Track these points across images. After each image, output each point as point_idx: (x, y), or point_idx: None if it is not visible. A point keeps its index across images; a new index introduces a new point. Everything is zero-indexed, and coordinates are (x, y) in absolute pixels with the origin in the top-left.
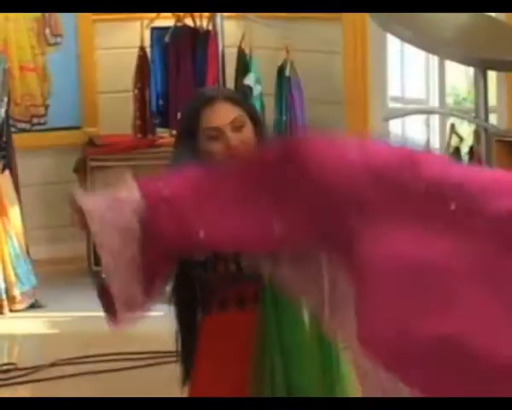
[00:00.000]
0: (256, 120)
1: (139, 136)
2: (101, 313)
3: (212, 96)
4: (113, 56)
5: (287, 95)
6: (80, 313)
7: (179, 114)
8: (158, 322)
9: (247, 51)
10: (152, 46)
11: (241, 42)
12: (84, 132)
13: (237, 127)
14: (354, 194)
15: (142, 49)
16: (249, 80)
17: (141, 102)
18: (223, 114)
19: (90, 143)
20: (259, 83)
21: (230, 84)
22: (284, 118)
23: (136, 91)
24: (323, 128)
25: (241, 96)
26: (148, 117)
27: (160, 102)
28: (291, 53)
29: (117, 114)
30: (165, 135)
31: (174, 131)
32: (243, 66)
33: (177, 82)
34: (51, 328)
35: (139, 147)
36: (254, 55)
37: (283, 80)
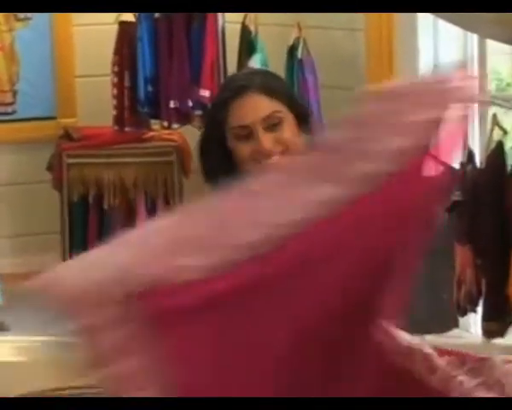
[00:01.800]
0: (301, 116)
1: (115, 128)
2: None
3: (241, 86)
4: (93, 33)
5: (299, 80)
6: (51, 338)
7: (172, 103)
8: None
9: (251, 28)
10: (139, 21)
11: (244, 17)
12: (60, 124)
13: (272, 125)
14: None
15: (122, 24)
16: (254, 63)
17: (119, 87)
18: (253, 109)
19: (67, 136)
20: (266, 66)
21: (232, 66)
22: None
23: (113, 76)
24: (343, 119)
25: (283, 85)
26: (127, 106)
27: (149, 88)
28: (303, 30)
29: (98, 102)
30: (155, 127)
31: (166, 123)
32: (247, 46)
33: (170, 64)
34: (18, 355)
35: (124, 141)
36: (260, 32)
37: (295, 63)
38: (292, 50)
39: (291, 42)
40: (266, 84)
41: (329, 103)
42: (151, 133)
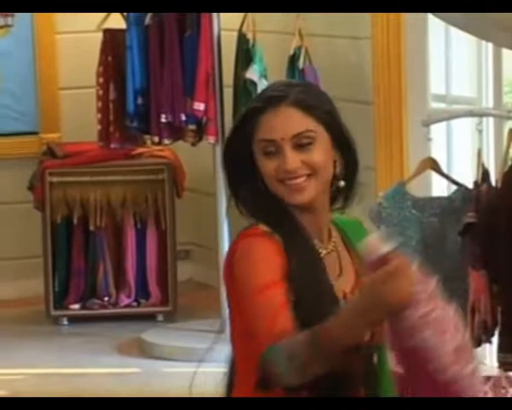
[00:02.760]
0: (340, 139)
1: (101, 144)
2: (63, 370)
3: (275, 97)
4: (78, 42)
5: None
6: (35, 370)
7: (163, 116)
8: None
9: (249, 36)
10: (128, 29)
11: (242, 24)
12: (42, 140)
13: (302, 145)
14: None
15: (107, 32)
16: (252, 73)
17: (104, 100)
18: (284, 124)
19: (49, 153)
20: (265, 77)
21: (228, 77)
22: None
23: (98, 88)
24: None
25: (323, 101)
26: (112, 120)
27: (139, 100)
28: (305, 38)
29: (84, 116)
30: (145, 143)
31: (156, 138)
32: (245, 55)
33: (161, 75)
34: None
35: (111, 158)
36: (259, 40)
37: (296, 73)
38: (293, 60)
39: (292, 51)
40: (303, 98)
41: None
42: (140, 149)
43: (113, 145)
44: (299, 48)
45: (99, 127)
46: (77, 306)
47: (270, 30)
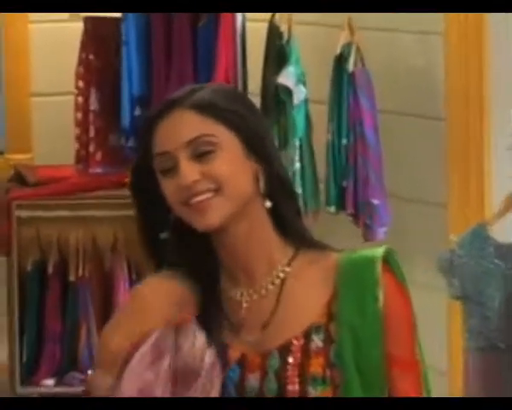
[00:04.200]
0: (255, 146)
1: (80, 168)
2: None
3: (170, 102)
4: (56, 31)
5: (349, 101)
6: None
7: None
8: None
9: (283, 29)
10: (124, 18)
11: (273, 14)
12: (8, 161)
13: (201, 154)
14: None
15: (88, 22)
16: (287, 78)
17: (84, 110)
18: (176, 131)
19: (18, 179)
20: (303, 83)
21: (255, 83)
22: (344, 141)
23: (76, 94)
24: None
25: (231, 102)
26: (93, 137)
27: (137, 111)
28: (357, 33)
29: (63, 130)
30: None
31: None
32: (277, 53)
33: (167, 78)
34: None
35: (99, 187)
36: (296, 35)
37: (344, 78)
38: (340, 61)
39: (339, 49)
40: (202, 98)
41: (392, 134)
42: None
43: (91, 170)
44: (348, 45)
45: (76, 146)
46: (51, 381)
47: (311, 21)
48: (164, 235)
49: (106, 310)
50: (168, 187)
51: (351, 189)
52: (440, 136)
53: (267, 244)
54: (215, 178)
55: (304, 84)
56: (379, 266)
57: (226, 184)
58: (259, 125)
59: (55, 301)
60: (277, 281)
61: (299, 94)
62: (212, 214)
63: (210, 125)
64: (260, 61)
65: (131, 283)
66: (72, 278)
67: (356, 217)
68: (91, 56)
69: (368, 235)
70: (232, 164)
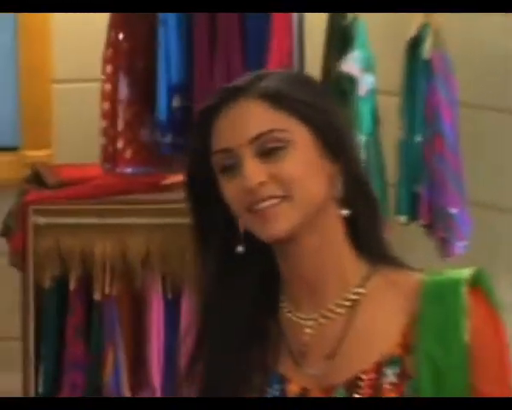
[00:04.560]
0: (334, 145)
1: (107, 167)
2: None
3: (233, 89)
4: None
5: (423, 91)
6: None
7: None
8: None
9: None
10: None
11: None
12: (25, 159)
13: (269, 151)
14: None
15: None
16: (352, 64)
17: (112, 100)
18: (241, 124)
19: (36, 179)
20: (371, 70)
21: (314, 70)
22: (419, 139)
23: (103, 81)
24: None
25: (307, 93)
26: (123, 131)
27: (175, 101)
28: (434, 15)
29: (88, 123)
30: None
31: None
32: (341, 36)
33: (211, 65)
34: None
35: (131, 191)
36: (362, 16)
37: (418, 65)
38: (414, 46)
39: (413, 31)
40: (273, 86)
41: (473, 130)
42: (174, 178)
43: (119, 169)
44: (424, 26)
45: (103, 140)
46: None
47: None
48: (240, 249)
49: (136, 334)
50: (229, 189)
51: (425, 195)
52: None
53: (340, 260)
54: (284, 180)
55: (372, 71)
56: (466, 291)
57: (297, 189)
58: (337, 118)
59: (77, 323)
60: (348, 304)
61: (366, 83)
62: (279, 223)
63: (281, 117)
64: (320, 46)
65: (167, 303)
66: (97, 296)
67: (431, 228)
68: (121, 36)
69: (444, 250)
70: (305, 164)
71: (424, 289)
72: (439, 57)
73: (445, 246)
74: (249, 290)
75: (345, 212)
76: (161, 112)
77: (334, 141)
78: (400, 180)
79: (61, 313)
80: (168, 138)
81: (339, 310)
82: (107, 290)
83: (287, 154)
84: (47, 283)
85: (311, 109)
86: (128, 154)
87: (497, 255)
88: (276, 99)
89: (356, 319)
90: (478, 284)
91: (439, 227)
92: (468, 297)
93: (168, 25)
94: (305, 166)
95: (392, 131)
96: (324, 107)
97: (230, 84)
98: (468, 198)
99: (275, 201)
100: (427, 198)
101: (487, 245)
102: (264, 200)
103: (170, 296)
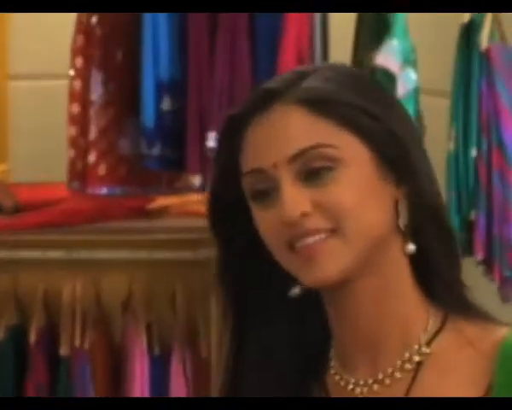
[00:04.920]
0: (399, 164)
1: (75, 186)
2: None
3: (268, 93)
4: None
5: (481, 95)
6: None
7: (212, 137)
8: None
9: None
10: None
11: None
12: None
13: (314, 172)
14: None
15: None
16: (389, 57)
17: (82, 102)
18: (276, 138)
19: None
20: (413, 64)
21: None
22: (474, 152)
23: (73, 77)
24: None
25: (362, 96)
26: (92, 141)
27: (165, 103)
28: None
29: (50, 129)
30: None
31: (197, 179)
32: (374, 22)
33: (210, 60)
34: None
35: (106, 217)
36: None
37: (473, 58)
38: (468, 33)
39: (467, 18)
40: (318, 90)
41: None
42: (163, 200)
43: (91, 190)
44: (480, 15)
45: (71, 153)
46: None
47: None
48: (296, 290)
49: (114, 396)
50: (263, 221)
51: (482, 222)
52: None
53: (403, 309)
54: (333, 210)
55: (414, 66)
56: None
57: (349, 220)
58: (403, 128)
59: (38, 384)
60: (410, 367)
61: (407, 81)
62: (327, 264)
63: (328, 129)
64: (349, 35)
65: (153, 360)
66: (64, 350)
67: (489, 264)
68: (94, 20)
69: (507, 292)
70: (359, 189)
71: (506, 350)
72: (499, 49)
73: (508, 288)
74: (293, 347)
75: (412, 247)
76: (147, 117)
77: (399, 158)
78: (450, 204)
79: (19, 371)
80: (156, 150)
81: (398, 374)
82: (77, 343)
83: (336, 176)
84: (1, 334)
85: (367, 117)
86: (102, 169)
87: None
88: (323, 105)
89: (417, 386)
90: None
91: (499, 264)
92: None
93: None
94: (359, 192)
95: (439, 142)
96: (385, 114)
97: (263, 86)
98: None
99: (322, 236)
100: (484, 226)
101: None
102: (308, 235)
103: (156, 351)
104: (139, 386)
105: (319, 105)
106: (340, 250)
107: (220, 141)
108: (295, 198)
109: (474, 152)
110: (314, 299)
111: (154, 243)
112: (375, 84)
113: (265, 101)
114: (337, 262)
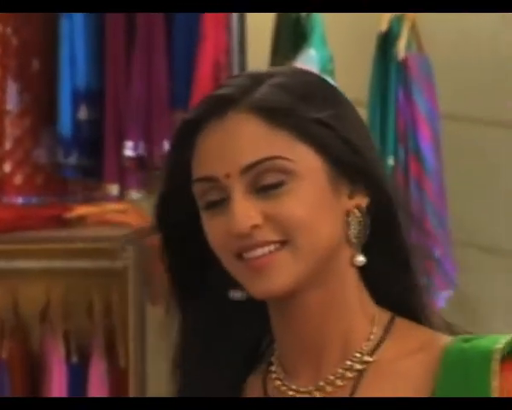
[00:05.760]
0: (355, 173)
1: None
2: None
3: (219, 99)
4: None
5: (398, 104)
6: None
7: (129, 146)
8: None
9: None
10: None
11: None
12: None
13: (266, 186)
14: None
15: None
16: (305, 66)
17: None
18: (229, 147)
19: None
20: (330, 74)
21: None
22: (390, 161)
23: None
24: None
25: (321, 102)
26: (8, 150)
27: (82, 112)
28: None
29: None
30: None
31: (114, 188)
32: (292, 32)
33: (128, 68)
34: None
35: (23, 226)
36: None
37: (391, 67)
38: (385, 43)
39: (384, 26)
40: (273, 96)
41: (462, 150)
42: (80, 209)
43: (7, 199)
44: (398, 20)
45: None
46: None
47: None
48: (238, 294)
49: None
50: (213, 227)
51: None
52: None
53: (348, 319)
54: (284, 222)
55: (332, 75)
56: (496, 366)
57: (300, 233)
58: (362, 140)
59: None
60: (351, 375)
61: None
62: (276, 276)
63: (283, 141)
64: (267, 44)
65: (71, 368)
66: None
67: None
68: (10, 31)
69: None
70: (312, 202)
71: (448, 359)
72: (415, 58)
73: None
74: (234, 347)
75: (361, 259)
76: (64, 126)
77: (356, 170)
78: None
79: None
80: (73, 159)
81: (339, 382)
82: None
83: (289, 188)
84: None
85: (322, 128)
86: (18, 179)
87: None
88: (277, 115)
89: (357, 394)
90: None
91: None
92: (501, 375)
93: (74, 16)
94: (311, 205)
95: None
96: (342, 123)
97: (217, 92)
98: (454, 238)
99: (271, 248)
100: None
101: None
102: (257, 247)
103: (74, 360)
104: (57, 394)
105: (274, 115)
106: (289, 263)
107: (173, 145)
108: (246, 211)
109: (391, 161)
110: (260, 302)
111: (72, 252)
112: (331, 89)
113: (219, 107)
114: (286, 275)
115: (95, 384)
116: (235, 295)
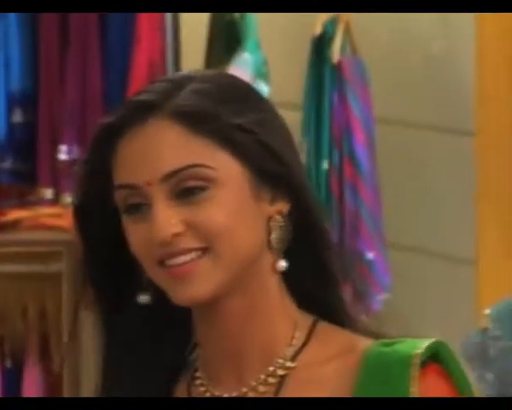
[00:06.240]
0: (276, 180)
1: None
2: None
3: (140, 105)
4: None
5: (333, 107)
6: None
7: (64, 150)
8: None
9: None
10: None
11: None
12: None
13: (187, 191)
14: None
15: None
16: (239, 69)
17: None
18: (150, 156)
19: None
20: (264, 77)
21: None
22: (325, 165)
23: None
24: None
25: (245, 107)
26: None
27: (17, 116)
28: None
29: None
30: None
31: (49, 191)
32: (226, 34)
33: (62, 70)
34: None
35: None
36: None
37: (325, 71)
38: (320, 46)
39: (319, 29)
40: (194, 102)
41: (398, 154)
42: (14, 213)
43: None
44: (332, 23)
45: None
46: None
47: None
48: (144, 298)
49: None
50: (134, 233)
51: (335, 235)
52: (469, 157)
53: (268, 326)
54: (206, 230)
55: (266, 79)
56: (415, 372)
57: (221, 240)
58: (285, 147)
59: None
60: (273, 380)
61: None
62: (198, 283)
63: (204, 148)
64: (202, 47)
65: (4, 373)
66: None
67: (342, 279)
68: None
69: (359, 306)
70: (233, 209)
71: (367, 363)
72: (350, 61)
73: (358, 301)
74: (155, 354)
75: (283, 264)
76: None
77: (277, 177)
78: None
79: None
80: (7, 163)
81: (261, 388)
82: None
83: (210, 195)
84: None
85: (244, 135)
86: None
87: (424, 311)
88: (198, 122)
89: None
90: (436, 360)
91: (351, 278)
92: (420, 380)
93: (8, 19)
94: (232, 212)
95: None
96: (265, 132)
97: (137, 97)
98: (389, 241)
99: (193, 255)
100: (337, 239)
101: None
102: (179, 254)
103: (9, 364)
104: None
105: (194, 121)
106: (211, 270)
107: (91, 149)
108: (167, 219)
109: (325, 165)
110: (181, 307)
111: (6, 255)
112: (253, 94)
113: (140, 113)
114: (208, 282)
115: (29, 389)
116: (143, 298)
